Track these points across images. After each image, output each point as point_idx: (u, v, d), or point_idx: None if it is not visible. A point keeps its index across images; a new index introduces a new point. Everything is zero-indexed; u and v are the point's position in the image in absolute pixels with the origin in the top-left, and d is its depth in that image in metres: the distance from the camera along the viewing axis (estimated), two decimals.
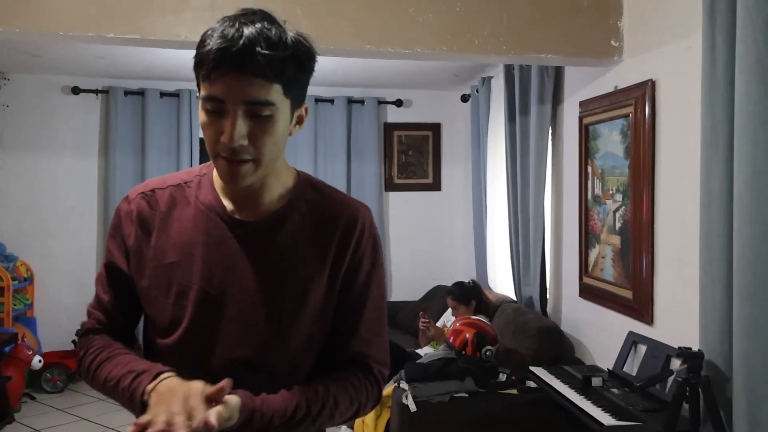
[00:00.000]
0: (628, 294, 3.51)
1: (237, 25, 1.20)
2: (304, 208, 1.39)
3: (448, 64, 5.32)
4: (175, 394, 1.17)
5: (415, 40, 3.34)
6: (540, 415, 3.55)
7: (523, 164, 4.67)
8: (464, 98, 6.32)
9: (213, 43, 1.20)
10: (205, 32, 1.24)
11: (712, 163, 2.62)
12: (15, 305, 5.34)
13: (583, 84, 4.02)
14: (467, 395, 3.64)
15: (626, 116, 3.49)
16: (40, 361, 5.12)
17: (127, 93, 5.93)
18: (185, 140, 5.94)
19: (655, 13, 3.29)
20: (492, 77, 5.55)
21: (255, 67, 1.19)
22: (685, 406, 2.57)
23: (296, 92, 1.28)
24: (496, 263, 5.54)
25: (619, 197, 3.60)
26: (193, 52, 1.26)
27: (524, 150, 4.65)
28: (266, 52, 1.18)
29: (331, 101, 6.26)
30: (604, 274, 3.76)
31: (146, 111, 5.92)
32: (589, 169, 3.92)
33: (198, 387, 1.18)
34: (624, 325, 3.52)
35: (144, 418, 1.14)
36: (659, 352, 3.12)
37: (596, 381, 3.23)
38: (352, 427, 4.18)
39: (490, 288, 5.45)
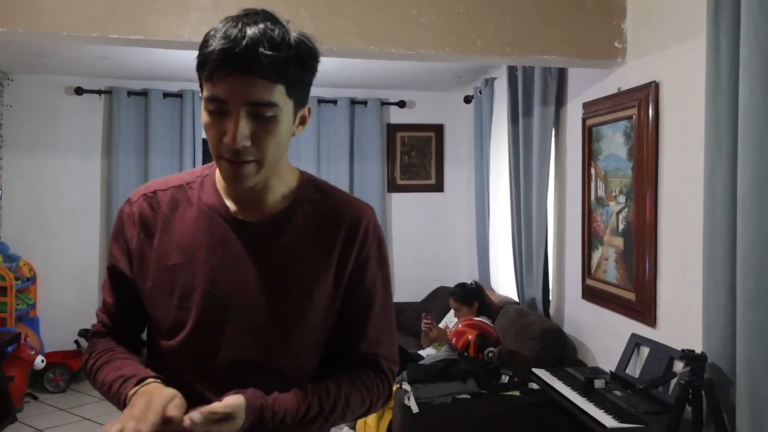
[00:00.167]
0: (631, 296, 3.50)
1: (240, 25, 1.19)
2: (307, 208, 1.39)
3: (451, 66, 5.32)
4: (142, 400, 1.18)
5: (419, 41, 3.34)
6: (542, 417, 3.55)
7: (526, 166, 4.66)
8: (467, 99, 6.31)
9: (216, 44, 1.19)
10: (208, 32, 1.23)
11: (716, 167, 2.61)
12: (18, 305, 5.34)
13: (587, 85, 4.02)
14: (469, 397, 3.63)
15: (629, 118, 3.49)
16: (42, 361, 5.12)
17: (130, 93, 5.94)
18: (188, 141, 5.94)
19: (659, 15, 3.28)
20: (495, 78, 5.55)
21: (258, 68, 1.18)
22: (688, 408, 2.56)
23: (299, 93, 1.27)
24: (499, 265, 5.54)
25: (622, 199, 3.59)
26: (196, 53, 1.25)
27: (527, 151, 4.65)
28: (269, 52, 1.18)
29: (334, 102, 6.26)
30: (607, 275, 3.76)
31: (149, 111, 5.93)
32: (592, 171, 3.91)
33: (165, 396, 1.19)
34: (627, 327, 3.52)
35: (108, 426, 1.14)
36: (662, 354, 3.11)
37: (599, 383, 3.22)
38: (354, 428, 4.17)
39: (492, 289, 5.44)
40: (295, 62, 1.22)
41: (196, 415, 1.15)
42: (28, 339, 5.31)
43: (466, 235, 6.44)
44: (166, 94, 5.97)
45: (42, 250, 5.87)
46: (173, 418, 1.15)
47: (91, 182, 5.98)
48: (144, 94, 5.96)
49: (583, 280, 4.05)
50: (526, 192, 4.65)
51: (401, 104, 6.48)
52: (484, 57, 3.51)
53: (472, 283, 4.85)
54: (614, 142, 3.66)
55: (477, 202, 5.88)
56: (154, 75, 5.76)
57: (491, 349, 3.88)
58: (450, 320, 4.86)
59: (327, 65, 5.29)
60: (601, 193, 3.82)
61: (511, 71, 4.90)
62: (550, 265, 4.57)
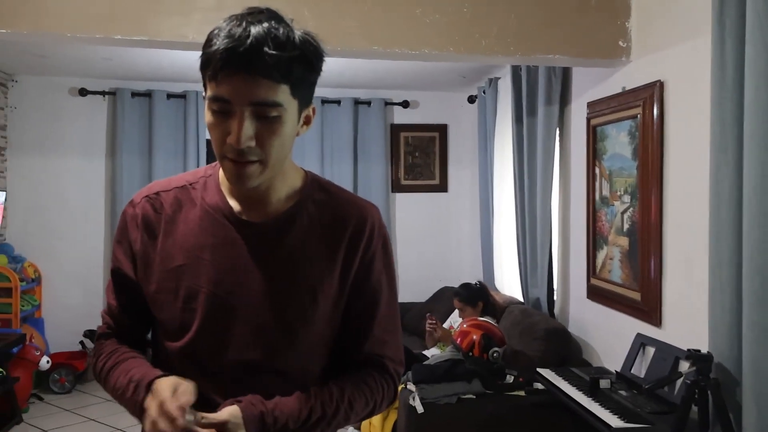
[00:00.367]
0: (636, 296, 3.49)
1: (244, 24, 1.17)
2: (312, 208, 1.38)
3: (455, 65, 5.31)
4: (155, 409, 1.20)
5: (423, 41, 3.34)
6: (547, 417, 3.54)
7: (530, 165, 4.65)
8: (471, 99, 6.31)
9: (220, 43, 1.17)
10: (212, 31, 1.22)
11: (721, 166, 2.60)
12: (23, 306, 5.35)
13: (591, 85, 4.01)
14: (474, 397, 3.63)
15: (634, 117, 3.48)
16: (47, 361, 5.13)
17: (134, 94, 5.95)
18: (192, 142, 5.94)
19: (664, 13, 3.27)
20: (499, 78, 5.54)
21: (262, 68, 1.17)
22: (694, 408, 2.55)
23: (304, 92, 1.26)
24: (503, 264, 5.53)
25: (627, 198, 3.58)
26: (200, 53, 1.24)
27: (531, 151, 4.64)
28: (274, 52, 1.16)
29: (338, 102, 6.26)
30: (612, 275, 3.75)
31: (153, 112, 5.93)
32: (597, 171, 3.90)
33: (169, 394, 1.20)
34: (632, 326, 3.51)
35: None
36: (668, 354, 3.10)
37: (604, 383, 3.21)
38: (359, 428, 4.17)
39: (497, 289, 5.44)
40: (299, 62, 1.21)
41: (189, 415, 1.16)
42: (33, 340, 5.32)
43: (471, 235, 6.43)
44: (169, 95, 5.97)
45: (47, 251, 5.88)
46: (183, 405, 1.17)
47: (95, 183, 5.99)
48: (148, 95, 5.96)
49: (588, 280, 4.04)
50: (531, 192, 4.65)
51: (405, 104, 6.48)
52: (488, 57, 3.50)
53: (476, 283, 4.84)
54: (619, 141, 3.65)
55: (481, 202, 5.87)
56: (157, 76, 5.77)
57: (496, 349, 3.87)
58: (454, 320, 4.86)
59: (331, 65, 5.26)
60: (605, 192, 3.81)
61: (515, 71, 4.90)
62: (555, 264, 4.56)
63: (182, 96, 6.00)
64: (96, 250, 5.95)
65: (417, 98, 6.53)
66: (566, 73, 4.35)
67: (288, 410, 1.27)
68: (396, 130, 6.51)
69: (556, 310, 4.54)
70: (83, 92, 5.92)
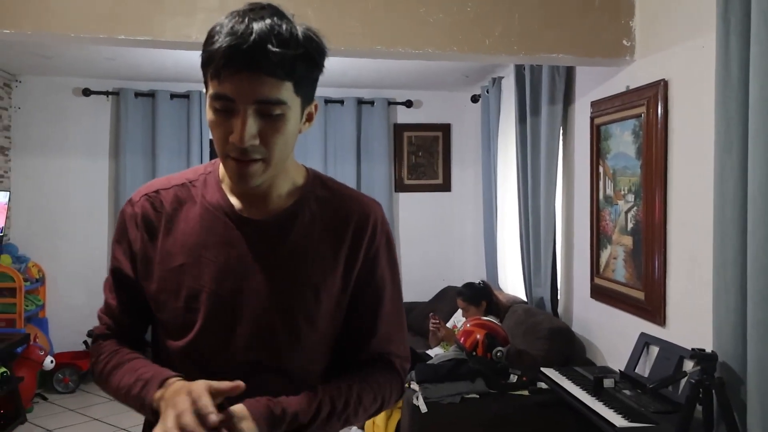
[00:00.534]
0: (640, 295, 3.49)
1: (246, 20, 1.16)
2: (314, 205, 1.37)
3: (458, 65, 5.31)
4: (180, 395, 1.16)
5: (426, 41, 3.34)
6: (551, 417, 3.54)
7: (533, 165, 4.65)
8: (474, 99, 6.30)
9: (222, 40, 1.16)
10: (213, 28, 1.20)
11: (726, 165, 2.59)
12: (27, 306, 5.35)
13: (595, 84, 4.00)
14: (478, 396, 3.62)
15: (638, 116, 3.47)
16: (51, 361, 5.14)
17: (137, 95, 5.95)
18: (195, 142, 5.95)
19: (668, 12, 3.27)
20: (502, 77, 5.54)
21: (266, 66, 1.15)
22: (698, 408, 2.55)
23: (307, 89, 1.25)
24: (507, 264, 5.53)
25: (630, 198, 3.58)
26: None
27: (535, 150, 4.63)
28: (277, 49, 1.15)
29: (341, 102, 6.26)
30: (616, 274, 3.74)
31: (157, 112, 5.94)
32: (601, 170, 3.90)
33: (202, 384, 1.17)
34: (636, 326, 3.50)
35: (157, 430, 1.13)
36: (672, 353, 3.10)
37: (608, 382, 3.21)
38: (362, 428, 4.17)
39: (500, 289, 5.43)
40: (303, 59, 1.20)
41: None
42: (37, 340, 5.32)
43: (474, 235, 6.43)
44: (173, 95, 5.98)
45: (50, 251, 5.89)
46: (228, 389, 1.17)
47: (99, 183, 6.00)
48: (151, 95, 5.97)
49: (592, 279, 4.03)
50: (534, 191, 4.64)
51: (408, 104, 6.48)
52: (491, 56, 3.50)
53: (479, 283, 4.84)
54: (623, 140, 3.65)
55: (484, 201, 5.87)
56: (161, 76, 5.77)
57: (499, 348, 3.87)
58: (458, 320, 4.86)
59: (334, 65, 5.28)
60: (609, 191, 3.81)
61: (519, 70, 4.90)
62: (559, 264, 4.55)
63: (185, 96, 6.00)
64: (100, 249, 5.95)
65: (420, 98, 6.53)
66: (570, 73, 4.34)
67: (295, 402, 1.26)
68: (399, 129, 6.50)
69: (560, 310, 4.53)
70: (87, 92, 5.92)
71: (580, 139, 4.23)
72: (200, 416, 1.12)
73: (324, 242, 1.35)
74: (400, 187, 6.52)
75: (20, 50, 4.95)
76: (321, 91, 6.14)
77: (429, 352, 4.62)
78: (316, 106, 1.32)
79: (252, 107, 1.18)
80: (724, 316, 2.60)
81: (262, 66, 1.15)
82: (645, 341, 3.37)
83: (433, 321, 4.64)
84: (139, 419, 1.36)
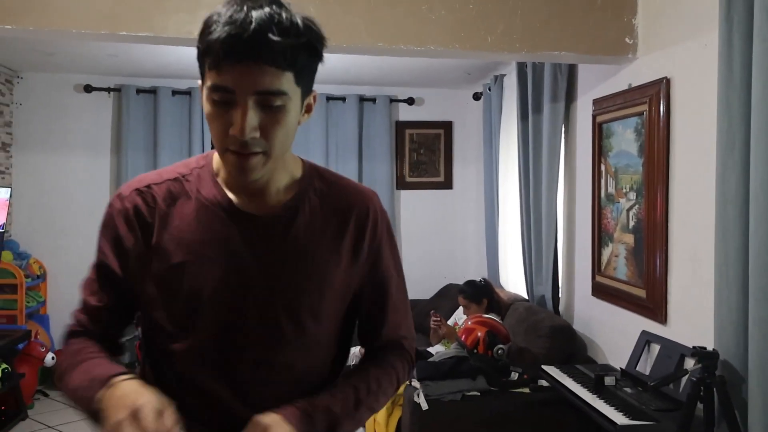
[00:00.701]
0: (641, 293, 3.49)
1: (245, 9, 1.13)
2: (314, 199, 1.35)
3: (460, 62, 5.31)
4: (125, 402, 1.09)
5: (428, 38, 3.33)
6: (552, 414, 3.54)
7: (535, 162, 4.65)
8: (476, 96, 6.29)
9: (221, 30, 1.12)
10: (210, 17, 1.17)
11: (728, 164, 2.59)
12: (28, 302, 5.36)
13: (597, 82, 4.00)
14: (479, 394, 3.63)
15: (640, 114, 3.47)
16: (53, 358, 5.14)
17: (139, 91, 5.95)
18: (197, 138, 5.95)
19: (671, 10, 3.26)
20: (504, 75, 5.53)
21: (268, 55, 1.12)
22: (699, 406, 2.55)
23: (307, 79, 1.22)
24: (508, 262, 5.52)
25: (632, 196, 3.58)
26: None
27: (537, 148, 4.63)
28: (279, 38, 1.12)
29: (343, 99, 6.26)
30: (617, 272, 3.74)
31: (158, 109, 5.94)
32: (603, 168, 3.90)
33: (151, 400, 1.09)
34: (637, 324, 3.50)
35: None
36: (673, 351, 3.10)
37: (609, 380, 3.21)
38: (363, 425, 4.17)
39: (501, 286, 5.43)
40: (305, 48, 1.17)
41: None
42: (38, 336, 5.33)
43: (475, 233, 6.43)
44: (175, 92, 5.98)
45: (52, 247, 5.89)
46: None
47: (101, 180, 6.00)
48: (153, 91, 5.97)
49: (593, 277, 4.03)
50: (536, 189, 4.64)
51: (410, 101, 6.47)
52: (493, 53, 3.50)
53: (481, 281, 4.84)
54: (625, 138, 3.64)
55: (486, 199, 5.87)
56: (163, 73, 5.77)
57: (501, 346, 3.87)
58: (459, 317, 4.86)
59: (336, 62, 5.31)
60: (611, 189, 3.81)
61: (521, 68, 4.89)
62: (560, 262, 4.55)
63: (187, 93, 6.00)
64: None
65: (422, 95, 6.52)
66: (572, 70, 4.34)
67: (324, 397, 1.27)
68: (401, 127, 6.50)
69: (561, 308, 4.53)
70: (88, 89, 5.92)
71: (581, 137, 4.23)
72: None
73: (326, 236, 1.34)
74: (402, 184, 6.52)
75: (22, 46, 4.95)
76: (323, 88, 6.18)
77: (430, 349, 4.62)
78: (315, 97, 1.29)
79: (252, 98, 1.15)
80: (726, 314, 2.60)
81: (263, 56, 1.12)
82: (646, 339, 3.37)
83: (435, 318, 4.64)
84: None
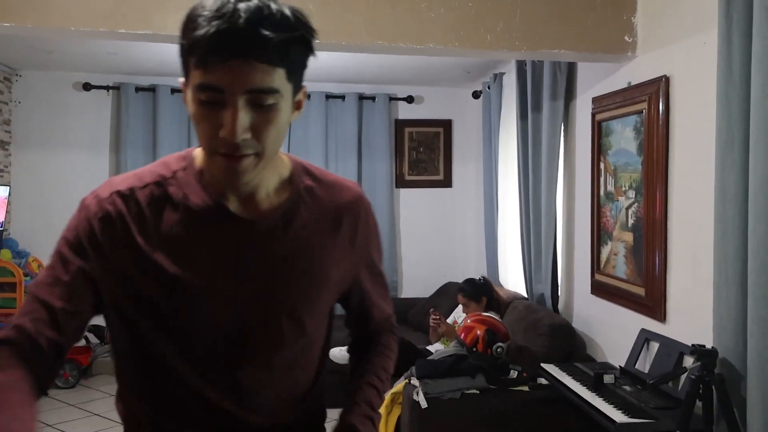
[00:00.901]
0: (640, 291, 3.49)
1: (232, 1, 1.05)
2: (306, 198, 1.30)
3: (459, 61, 5.31)
4: None
5: (428, 36, 3.33)
6: (551, 413, 3.54)
7: (534, 161, 4.65)
8: (476, 95, 6.30)
9: (208, 25, 1.05)
10: (193, 11, 1.09)
11: (727, 162, 2.59)
12: None
13: (596, 80, 4.00)
14: (478, 392, 3.63)
15: (640, 112, 3.47)
16: None
17: (138, 89, 5.95)
18: (196, 136, 5.93)
19: (670, 8, 3.26)
20: (504, 73, 5.53)
21: (259, 51, 1.06)
22: (698, 404, 2.55)
23: (298, 75, 1.15)
24: (507, 260, 5.53)
25: (631, 194, 3.58)
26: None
27: (536, 146, 4.63)
28: (271, 33, 1.05)
29: (342, 97, 6.26)
30: (617, 271, 3.74)
31: (157, 107, 5.94)
32: (602, 166, 3.90)
33: None
34: (636, 322, 3.50)
35: None
36: (672, 349, 3.10)
37: (608, 378, 3.21)
38: None
39: (501, 285, 5.43)
40: (298, 42, 1.11)
41: None
42: None
43: (475, 231, 6.43)
44: (174, 90, 5.97)
45: (51, 246, 5.70)
46: None
47: (100, 178, 5.94)
48: (152, 89, 5.96)
49: (592, 276, 4.03)
50: (535, 187, 4.64)
51: (409, 100, 6.47)
52: (493, 52, 3.50)
53: (480, 279, 4.84)
54: (624, 136, 3.64)
55: (485, 197, 5.87)
56: (162, 71, 5.77)
57: (500, 344, 3.87)
58: (458, 316, 4.86)
59: (335, 60, 5.30)
60: (610, 188, 3.81)
61: (520, 66, 4.89)
62: (559, 260, 4.55)
63: None
64: None
65: (421, 93, 6.52)
66: (571, 69, 4.34)
67: (361, 396, 1.39)
68: (400, 125, 6.50)
69: (560, 306, 4.54)
70: (87, 87, 5.92)
71: (581, 136, 4.23)
72: None
73: (323, 234, 1.31)
74: (401, 183, 6.52)
75: (21, 44, 4.95)
76: (322, 86, 6.19)
77: (429, 347, 4.63)
78: (305, 93, 1.22)
79: (243, 97, 1.08)
80: (725, 312, 2.61)
81: (254, 52, 1.06)
82: (645, 337, 3.38)
83: (434, 317, 4.65)
84: None
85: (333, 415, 1.36)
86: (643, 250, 3.45)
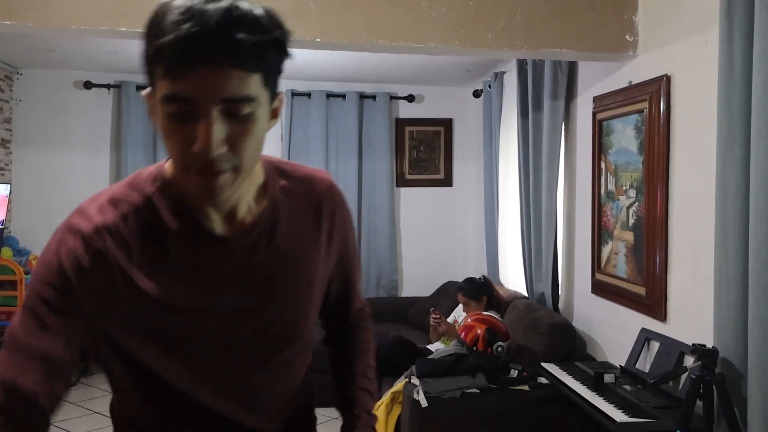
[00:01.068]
0: (641, 290, 3.49)
1: (200, 1, 0.96)
2: (284, 200, 1.24)
3: (460, 60, 5.30)
4: None
5: (428, 35, 3.33)
6: (551, 412, 3.54)
7: (535, 160, 4.65)
8: (476, 94, 6.29)
9: (175, 29, 0.95)
10: (157, 13, 1.00)
11: (728, 161, 2.59)
12: None
13: (597, 79, 4.00)
14: (478, 391, 3.63)
15: (640, 112, 3.47)
16: None
17: (139, 88, 5.94)
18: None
19: (671, 7, 3.26)
20: (504, 72, 5.53)
21: (233, 57, 0.96)
22: (699, 403, 2.55)
23: (275, 81, 1.07)
24: (508, 259, 5.53)
25: (632, 193, 3.58)
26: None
27: (537, 146, 4.63)
28: (245, 36, 0.96)
29: (343, 96, 6.26)
30: (617, 270, 3.74)
31: None
32: (603, 165, 3.89)
33: None
34: (637, 321, 3.50)
35: None
36: (672, 349, 3.10)
37: (608, 377, 3.21)
38: None
39: (501, 284, 5.43)
40: (274, 46, 1.02)
41: None
42: None
43: (475, 230, 6.43)
44: None
45: None
46: None
47: (100, 177, 6.00)
48: None
49: (593, 275, 4.03)
50: (536, 186, 4.64)
51: (410, 99, 6.47)
52: (494, 51, 3.49)
53: (480, 278, 4.84)
54: (625, 136, 3.64)
55: (486, 196, 5.87)
56: None
57: (500, 343, 3.87)
58: (459, 315, 4.86)
59: (336, 59, 5.30)
60: (611, 187, 3.81)
61: (521, 65, 4.89)
62: (560, 259, 4.55)
63: None
64: None
65: (422, 92, 6.52)
66: (572, 68, 4.34)
67: (363, 402, 1.41)
68: (401, 124, 6.50)
69: (561, 305, 4.53)
70: (88, 85, 5.93)
71: (582, 135, 4.23)
72: None
73: (305, 234, 1.27)
74: (402, 181, 6.52)
75: (22, 43, 4.95)
76: (323, 85, 6.20)
77: (430, 347, 4.63)
78: (281, 100, 1.12)
79: (217, 108, 0.98)
80: (725, 312, 2.60)
81: (226, 57, 0.96)
82: (646, 336, 3.38)
83: (434, 316, 4.65)
84: None
85: (322, 413, 1.46)
86: (643, 249, 3.45)
